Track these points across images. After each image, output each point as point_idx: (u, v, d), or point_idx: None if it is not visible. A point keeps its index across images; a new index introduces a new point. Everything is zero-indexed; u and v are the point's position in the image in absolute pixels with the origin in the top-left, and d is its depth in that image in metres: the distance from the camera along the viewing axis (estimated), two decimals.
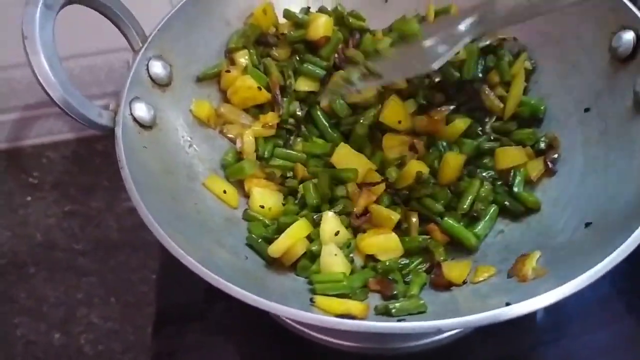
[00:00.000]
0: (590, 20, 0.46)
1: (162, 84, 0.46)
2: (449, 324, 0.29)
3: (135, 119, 0.42)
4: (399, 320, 0.35)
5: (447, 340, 0.48)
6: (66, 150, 0.79)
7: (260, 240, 0.43)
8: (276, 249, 0.40)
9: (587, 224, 0.38)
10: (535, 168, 0.46)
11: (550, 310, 0.50)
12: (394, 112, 0.49)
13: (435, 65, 0.41)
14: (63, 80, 0.37)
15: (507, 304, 0.30)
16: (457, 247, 0.44)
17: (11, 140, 0.78)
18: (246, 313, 0.52)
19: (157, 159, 0.43)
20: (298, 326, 0.49)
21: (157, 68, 0.46)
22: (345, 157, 0.48)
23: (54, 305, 0.65)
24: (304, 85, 0.53)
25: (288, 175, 0.49)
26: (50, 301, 0.65)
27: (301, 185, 0.47)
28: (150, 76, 0.45)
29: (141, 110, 0.43)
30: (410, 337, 0.46)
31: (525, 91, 0.50)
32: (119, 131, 0.40)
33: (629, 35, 0.42)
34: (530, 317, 0.48)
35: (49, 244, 0.70)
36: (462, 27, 0.41)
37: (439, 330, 0.29)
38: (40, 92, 0.71)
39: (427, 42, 0.43)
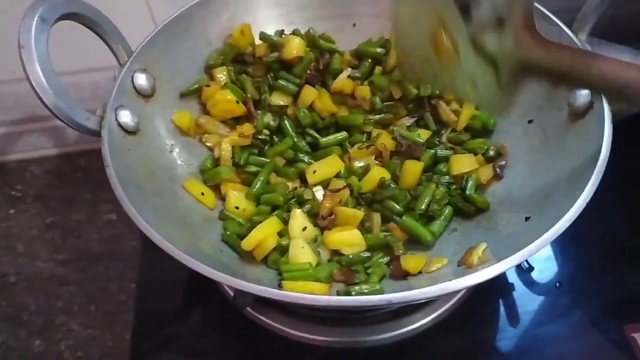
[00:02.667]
0: None
1: (145, 95, 0.50)
2: (398, 297, 0.33)
3: (120, 125, 0.46)
4: None
5: (411, 334, 0.51)
6: (49, 165, 0.82)
7: (234, 236, 0.46)
8: (248, 242, 0.44)
9: (527, 218, 0.43)
10: (485, 173, 0.51)
11: (507, 306, 0.54)
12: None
13: None
14: (55, 86, 0.41)
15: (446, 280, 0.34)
16: (415, 244, 0.48)
17: None
18: (223, 318, 0.55)
19: (140, 161, 0.46)
20: (274, 324, 0.52)
21: (142, 80, 0.50)
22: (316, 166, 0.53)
23: (34, 313, 0.67)
24: (278, 99, 0.57)
25: None
26: (30, 309, 0.67)
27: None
28: (134, 87, 0.49)
29: (126, 117, 0.46)
30: (374, 329, 0.50)
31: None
32: (105, 134, 0.43)
33: None
34: (490, 312, 0.53)
35: (30, 254, 0.72)
36: None
37: (390, 303, 0.33)
38: (25, 108, 0.75)
39: None
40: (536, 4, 0.50)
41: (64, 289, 0.69)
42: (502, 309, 0.54)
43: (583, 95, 0.45)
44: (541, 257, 0.57)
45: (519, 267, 0.56)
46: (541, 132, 0.49)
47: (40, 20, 0.41)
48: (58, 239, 0.74)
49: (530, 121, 0.51)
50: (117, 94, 0.47)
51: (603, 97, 0.43)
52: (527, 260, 0.55)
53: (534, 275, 0.55)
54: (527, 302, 0.54)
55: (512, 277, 0.56)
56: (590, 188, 0.38)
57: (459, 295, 0.52)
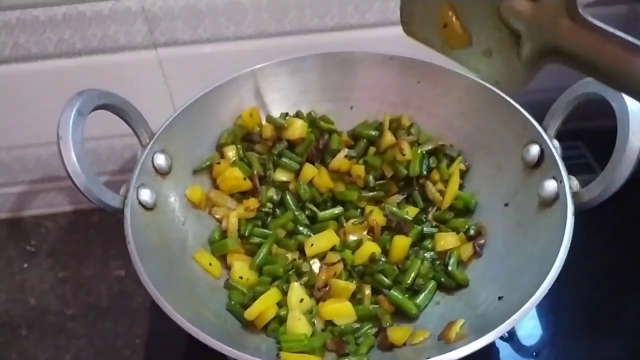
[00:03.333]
0: (510, 132, 0.58)
1: (163, 173, 0.56)
2: None
3: (140, 202, 0.51)
4: None
5: None
6: (63, 221, 0.86)
7: (238, 305, 0.51)
8: (251, 312, 0.49)
9: (500, 298, 0.48)
10: (466, 251, 0.56)
11: None
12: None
13: None
14: (88, 172, 0.46)
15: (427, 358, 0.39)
16: (402, 315, 0.52)
17: (14, 211, 0.85)
18: None
19: (156, 235, 0.52)
20: None
21: (161, 160, 0.56)
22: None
23: None
24: (281, 175, 0.63)
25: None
26: None
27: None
28: (154, 166, 0.55)
29: (146, 195, 0.52)
30: None
31: (461, 187, 0.61)
32: (127, 212, 0.49)
33: (535, 148, 0.54)
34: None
35: (42, 308, 0.76)
36: None
37: None
38: (45, 169, 0.81)
39: None
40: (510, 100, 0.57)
41: (73, 342, 0.72)
42: None
43: (550, 188, 0.51)
44: (520, 326, 0.61)
45: (500, 338, 0.60)
46: (515, 215, 0.55)
47: (78, 113, 0.48)
48: (69, 293, 0.78)
49: (506, 204, 0.57)
50: (139, 173, 0.53)
51: (567, 190, 0.49)
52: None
53: (513, 345, 0.59)
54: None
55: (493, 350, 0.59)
56: (552, 275, 0.43)
57: None
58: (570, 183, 0.49)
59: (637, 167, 0.46)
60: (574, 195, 0.49)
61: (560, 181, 0.50)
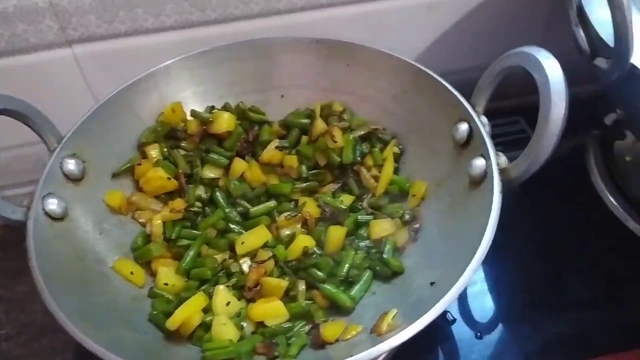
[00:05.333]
0: (440, 112, 0.56)
1: (75, 179, 0.52)
2: None
3: (47, 213, 0.48)
4: None
5: None
6: None
7: (161, 315, 0.48)
8: (173, 322, 0.46)
9: (432, 283, 0.46)
10: (402, 237, 0.54)
11: None
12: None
13: None
14: None
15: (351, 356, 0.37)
16: (338, 309, 0.50)
17: None
18: None
19: (67, 247, 0.48)
20: None
21: (71, 165, 0.52)
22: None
23: None
24: (209, 172, 0.60)
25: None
26: None
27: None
28: (63, 173, 0.51)
29: (53, 205, 0.48)
30: None
31: (396, 171, 0.59)
32: (30, 225, 0.45)
33: (463, 127, 0.52)
34: None
35: None
36: None
37: None
38: None
39: None
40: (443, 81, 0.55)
41: None
42: None
43: (479, 166, 0.49)
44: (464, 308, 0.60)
45: (444, 320, 0.59)
46: (449, 196, 0.53)
47: None
48: (1, 313, 0.74)
49: (439, 185, 0.55)
50: (45, 181, 0.49)
51: (494, 167, 0.47)
52: (450, 313, 0.59)
53: (455, 327, 0.58)
54: (452, 355, 0.57)
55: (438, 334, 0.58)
56: (479, 256, 0.42)
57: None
58: (498, 160, 0.48)
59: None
60: (502, 171, 0.47)
61: (488, 158, 0.48)
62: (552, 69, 0.44)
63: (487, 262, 0.63)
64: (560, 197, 0.70)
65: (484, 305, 0.60)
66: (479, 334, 0.58)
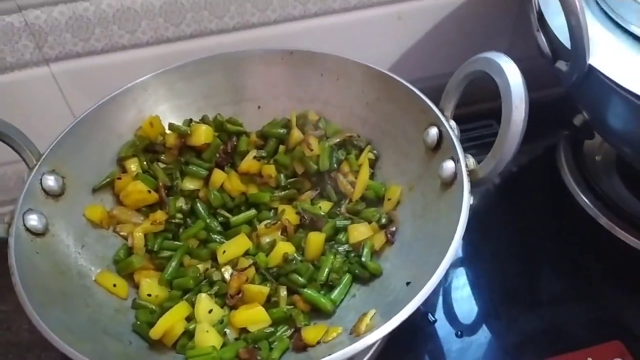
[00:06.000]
0: (411, 117, 0.58)
1: (55, 195, 0.53)
2: None
3: (28, 229, 0.48)
4: None
5: None
6: None
7: (144, 325, 0.49)
8: (156, 331, 0.47)
9: (408, 283, 0.48)
10: (379, 240, 0.55)
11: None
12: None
13: None
14: None
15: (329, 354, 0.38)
16: (319, 313, 0.52)
17: None
18: None
19: (49, 261, 0.49)
20: None
21: (51, 181, 0.52)
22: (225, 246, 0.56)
23: None
24: (189, 184, 0.61)
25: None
26: None
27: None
28: (43, 189, 0.52)
29: (34, 221, 0.49)
30: None
31: (372, 176, 0.61)
32: (11, 241, 0.46)
33: (433, 131, 0.54)
34: None
35: None
36: None
37: None
38: None
39: None
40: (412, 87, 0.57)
41: None
42: None
43: (449, 168, 0.51)
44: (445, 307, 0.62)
45: (425, 321, 0.60)
46: (422, 199, 0.55)
47: None
48: None
49: (411, 188, 0.57)
50: (25, 198, 0.50)
51: (463, 169, 0.49)
52: (430, 314, 0.60)
53: (437, 327, 0.60)
54: (435, 354, 0.58)
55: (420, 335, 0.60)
56: (449, 255, 0.43)
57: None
58: (467, 162, 0.50)
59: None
60: (470, 172, 0.49)
61: (457, 160, 0.50)
62: (512, 74, 0.46)
63: (466, 263, 0.67)
64: (534, 196, 0.73)
65: (463, 304, 0.62)
66: (459, 332, 0.59)
